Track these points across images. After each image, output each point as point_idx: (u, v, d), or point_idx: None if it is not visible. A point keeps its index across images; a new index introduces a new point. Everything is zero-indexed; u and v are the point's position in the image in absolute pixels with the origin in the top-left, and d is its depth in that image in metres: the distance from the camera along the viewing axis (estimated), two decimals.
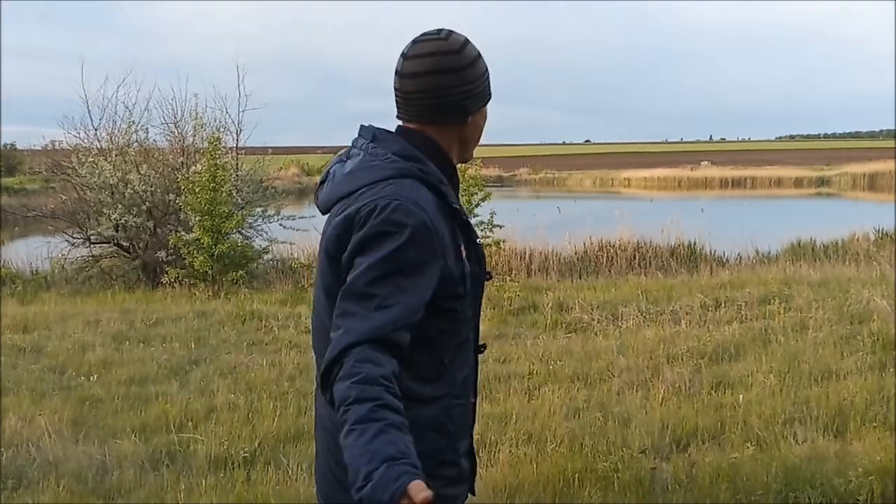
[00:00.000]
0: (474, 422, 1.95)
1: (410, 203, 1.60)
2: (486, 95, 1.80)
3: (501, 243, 11.40)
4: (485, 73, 1.78)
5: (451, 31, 1.76)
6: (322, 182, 1.83)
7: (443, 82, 1.71)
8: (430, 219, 1.61)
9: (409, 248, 1.57)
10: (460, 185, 9.31)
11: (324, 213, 1.80)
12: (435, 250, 1.62)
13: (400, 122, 1.82)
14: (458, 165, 1.91)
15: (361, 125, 1.83)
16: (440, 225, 1.65)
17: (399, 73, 1.75)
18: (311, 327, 1.90)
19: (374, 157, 1.70)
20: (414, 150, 1.72)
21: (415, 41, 1.74)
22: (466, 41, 1.75)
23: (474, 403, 1.92)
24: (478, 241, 1.85)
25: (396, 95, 1.78)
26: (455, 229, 1.73)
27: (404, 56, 1.74)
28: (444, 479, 1.76)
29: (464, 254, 1.74)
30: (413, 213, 1.59)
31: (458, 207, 1.74)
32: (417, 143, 1.74)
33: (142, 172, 14.67)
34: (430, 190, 1.68)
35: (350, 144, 1.83)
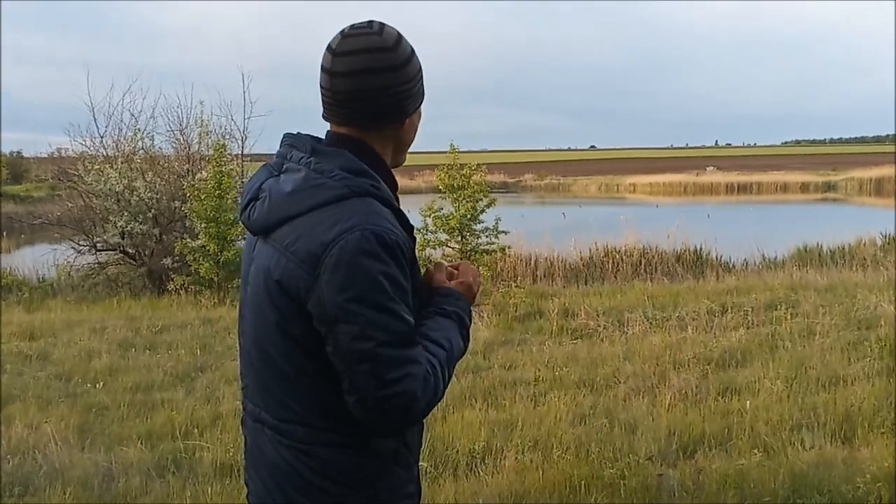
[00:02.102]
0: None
1: (377, 227, 1.48)
2: (422, 93, 1.67)
3: (507, 249, 11.38)
4: (420, 70, 1.64)
5: (382, 24, 1.59)
6: (252, 199, 1.64)
7: (379, 81, 1.56)
8: (399, 236, 1.51)
9: (392, 272, 1.48)
10: (466, 192, 9.26)
11: (258, 234, 1.62)
12: (404, 266, 1.52)
13: (329, 126, 1.67)
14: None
15: (287, 134, 1.66)
16: (410, 247, 1.58)
17: (329, 72, 1.57)
18: (248, 358, 1.71)
19: (320, 175, 1.54)
20: (362, 165, 1.57)
21: (344, 35, 1.57)
22: (400, 35, 1.60)
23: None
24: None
25: (325, 96, 1.61)
26: (413, 247, 1.63)
27: (333, 52, 1.56)
28: None
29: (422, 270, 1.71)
30: (381, 237, 1.47)
31: (412, 225, 1.65)
32: (360, 155, 1.59)
33: (147, 180, 14.74)
34: (386, 207, 1.56)
35: (277, 155, 1.66)
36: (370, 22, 1.59)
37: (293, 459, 1.59)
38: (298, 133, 1.65)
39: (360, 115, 1.60)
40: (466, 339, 1.69)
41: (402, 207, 1.68)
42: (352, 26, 1.59)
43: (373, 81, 1.56)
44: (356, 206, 1.50)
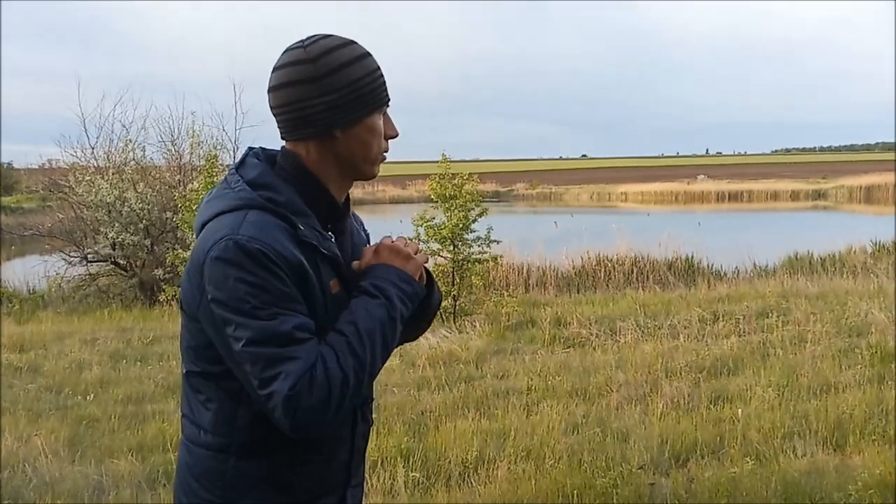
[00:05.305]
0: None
1: (241, 236, 1.49)
2: (357, 106, 1.61)
3: (499, 258, 11.39)
4: (354, 82, 1.59)
5: (321, 38, 1.61)
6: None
7: (296, 95, 1.58)
8: (266, 244, 1.50)
9: (252, 279, 1.48)
10: (458, 201, 9.21)
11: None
12: (276, 271, 1.49)
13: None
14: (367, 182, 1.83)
15: (249, 147, 1.73)
16: (292, 255, 1.52)
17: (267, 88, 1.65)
18: None
19: (228, 185, 1.62)
20: (268, 178, 1.61)
21: (283, 51, 1.63)
22: (332, 49, 1.59)
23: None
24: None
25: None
26: (318, 263, 1.59)
27: (273, 68, 1.63)
28: None
29: (334, 288, 1.62)
30: (242, 245, 1.48)
31: (313, 243, 1.58)
32: (287, 167, 1.64)
33: (139, 191, 14.71)
34: (282, 220, 1.56)
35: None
36: (312, 35, 1.62)
37: (181, 453, 1.70)
38: (251, 147, 1.71)
39: (285, 128, 1.64)
40: (394, 305, 1.60)
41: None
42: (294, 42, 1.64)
43: (289, 94, 1.59)
44: (238, 218, 1.54)
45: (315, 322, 1.53)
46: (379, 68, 1.65)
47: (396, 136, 1.72)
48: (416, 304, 1.67)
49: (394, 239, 1.73)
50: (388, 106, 1.69)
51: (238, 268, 1.48)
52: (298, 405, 1.43)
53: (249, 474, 1.61)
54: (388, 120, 1.69)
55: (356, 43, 1.64)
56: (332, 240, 1.68)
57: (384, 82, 1.66)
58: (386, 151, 1.71)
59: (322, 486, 1.70)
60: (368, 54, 1.64)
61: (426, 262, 1.74)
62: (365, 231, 1.90)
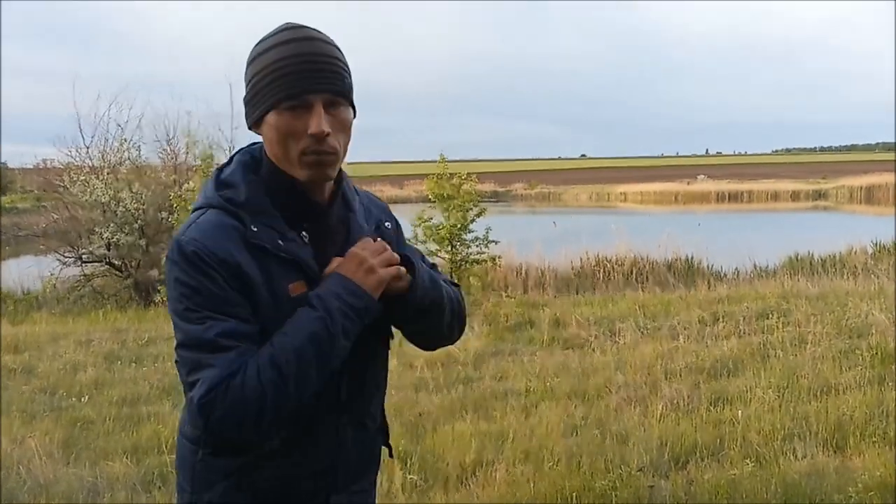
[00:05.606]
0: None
1: (184, 237, 1.50)
2: (257, 102, 1.53)
3: (497, 259, 11.36)
4: (253, 77, 1.53)
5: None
6: None
7: None
8: (202, 245, 1.47)
9: (187, 280, 1.47)
10: (456, 201, 9.19)
11: None
12: (211, 274, 1.46)
13: None
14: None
15: (250, 144, 1.70)
16: (230, 258, 1.48)
17: None
18: None
19: (206, 184, 1.63)
20: (235, 177, 1.57)
21: None
22: (256, 44, 1.54)
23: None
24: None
25: None
26: (269, 265, 1.52)
27: None
28: None
29: (294, 291, 1.54)
30: (181, 246, 1.48)
31: (263, 245, 1.52)
32: (267, 165, 1.58)
33: (134, 191, 14.70)
34: (237, 220, 1.52)
35: None
36: None
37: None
38: (249, 145, 1.70)
39: None
40: (334, 319, 1.49)
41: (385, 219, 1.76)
42: None
43: None
44: (193, 218, 1.56)
45: (265, 326, 1.50)
46: (298, 56, 1.48)
47: (317, 133, 1.48)
48: (366, 319, 1.54)
49: (371, 242, 1.60)
50: (305, 98, 1.48)
51: (177, 269, 1.49)
52: (211, 414, 1.42)
53: (216, 469, 1.60)
54: (314, 114, 1.49)
55: (286, 30, 1.52)
56: (307, 240, 1.58)
57: (297, 71, 1.47)
58: (313, 153, 1.51)
59: (295, 491, 1.64)
60: (287, 42, 1.49)
61: (394, 276, 1.57)
62: (389, 222, 1.79)
